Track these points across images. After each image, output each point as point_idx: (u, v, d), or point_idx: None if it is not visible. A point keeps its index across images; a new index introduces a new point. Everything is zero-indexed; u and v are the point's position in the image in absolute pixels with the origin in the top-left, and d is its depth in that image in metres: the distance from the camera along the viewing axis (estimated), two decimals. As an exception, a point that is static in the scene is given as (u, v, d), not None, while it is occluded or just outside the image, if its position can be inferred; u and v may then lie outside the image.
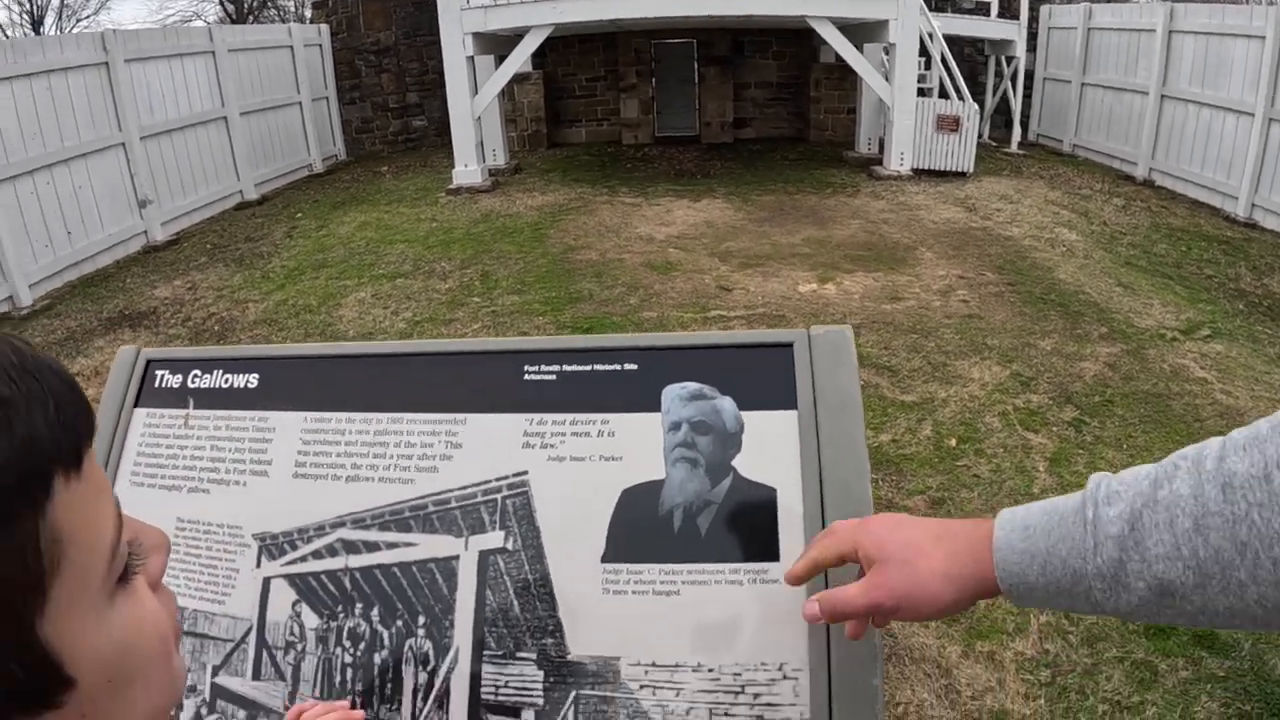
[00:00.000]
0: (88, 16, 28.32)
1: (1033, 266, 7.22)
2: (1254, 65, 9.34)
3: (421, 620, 1.10)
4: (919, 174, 10.93)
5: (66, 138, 8.45)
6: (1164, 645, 3.01)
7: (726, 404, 1.09)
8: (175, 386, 1.31)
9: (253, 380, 1.29)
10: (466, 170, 10.89)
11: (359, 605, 1.14)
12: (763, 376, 1.10)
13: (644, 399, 1.10)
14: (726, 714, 0.99)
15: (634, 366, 1.13)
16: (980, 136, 11.89)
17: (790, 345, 1.11)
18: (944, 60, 11.64)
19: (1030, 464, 4.18)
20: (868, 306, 6.31)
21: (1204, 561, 0.65)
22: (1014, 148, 13.24)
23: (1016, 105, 13.30)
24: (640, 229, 8.68)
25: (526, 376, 1.15)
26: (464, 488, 1.12)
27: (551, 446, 1.11)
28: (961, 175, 10.95)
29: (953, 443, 4.38)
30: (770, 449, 1.06)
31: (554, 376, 1.14)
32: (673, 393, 1.10)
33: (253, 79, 12.32)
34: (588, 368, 1.13)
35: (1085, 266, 7.30)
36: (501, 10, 10.64)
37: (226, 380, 1.30)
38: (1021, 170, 11.69)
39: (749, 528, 1.04)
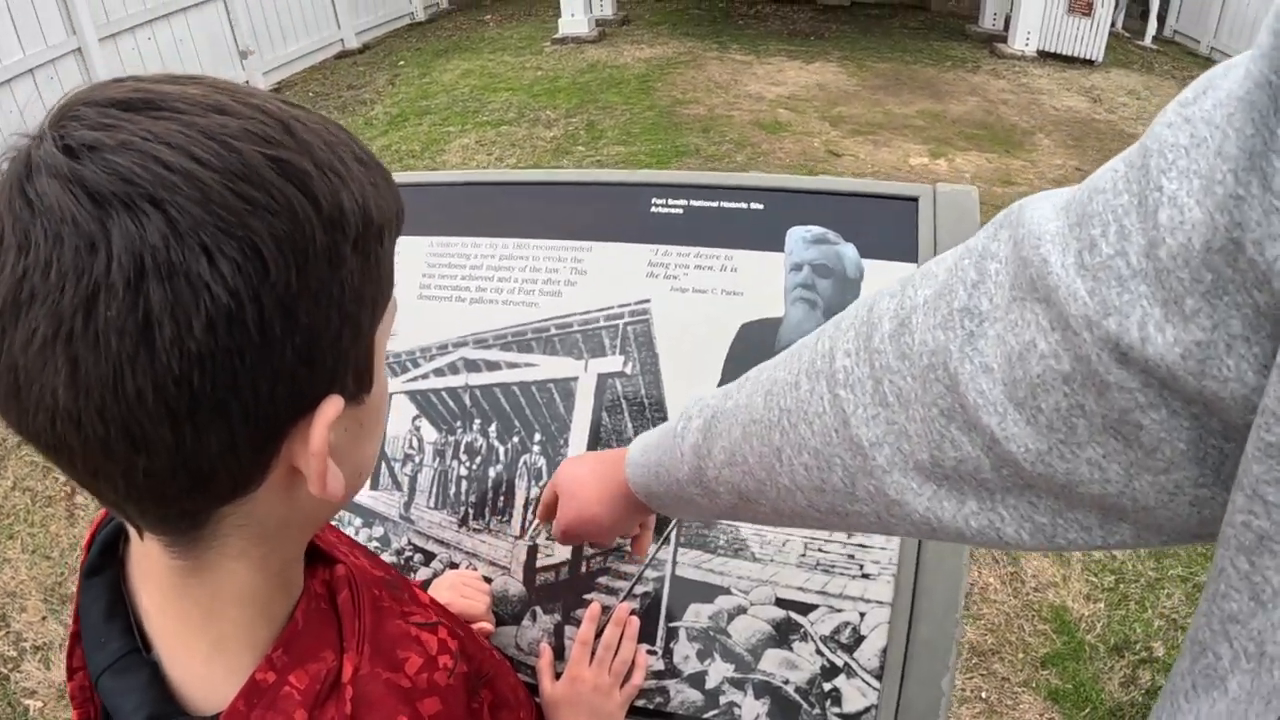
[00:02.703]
0: None
1: (1157, 159, 6.88)
2: None
3: (537, 437, 1.16)
4: (1044, 57, 10.36)
5: None
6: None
7: (849, 250, 1.10)
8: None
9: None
10: (573, 20, 10.67)
11: (477, 421, 1.20)
12: (886, 227, 1.10)
13: (768, 238, 1.12)
14: (820, 549, 1.04)
15: (760, 206, 1.14)
16: (1113, 25, 11.16)
17: (916, 200, 1.11)
18: (1086, -73, 10.87)
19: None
20: (979, 187, 6.06)
21: (754, 467, 0.66)
22: (1147, 41, 12.33)
23: (1155, -3, 12.38)
24: (750, 87, 8.43)
25: (653, 209, 1.17)
26: (587, 312, 1.16)
27: (675, 278, 1.13)
28: (1089, 63, 10.33)
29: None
30: (889, 296, 1.07)
31: (680, 210, 1.16)
32: (797, 234, 1.11)
33: (354, -75, 12.11)
34: (714, 204, 1.15)
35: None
36: None
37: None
38: (1153, 67, 10.95)
39: None
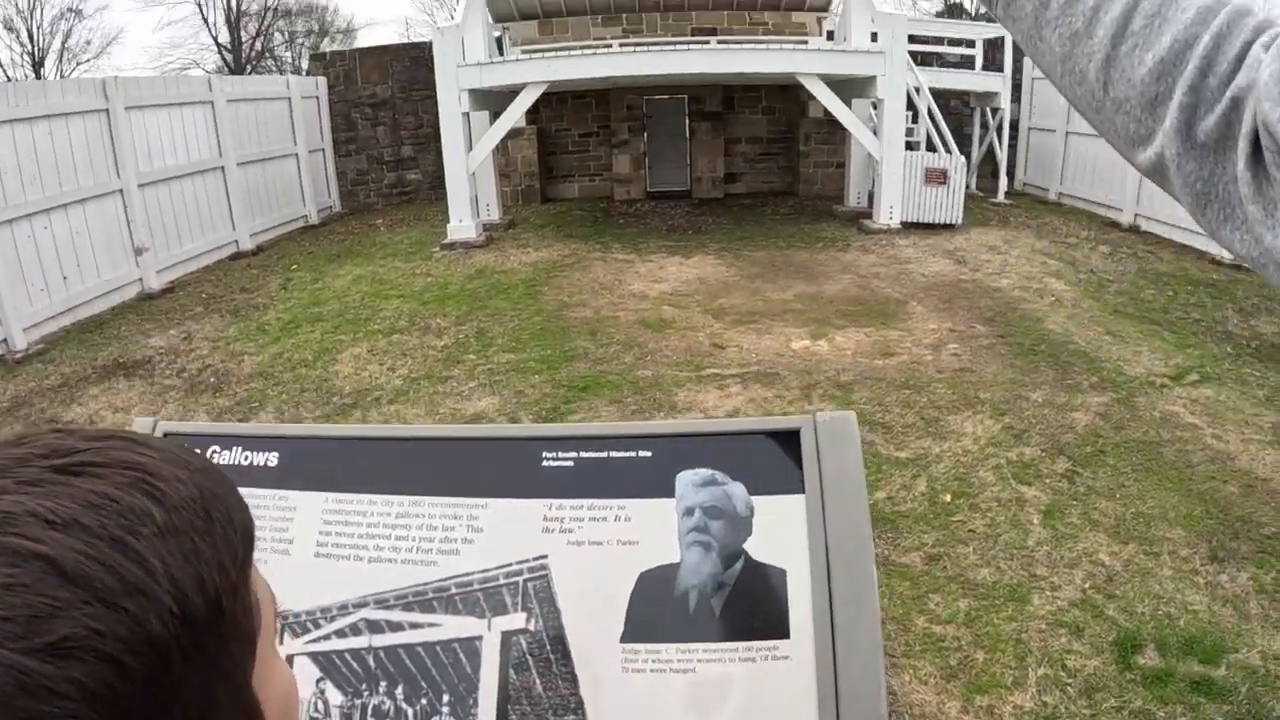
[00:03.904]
0: (88, 60, 28.85)
1: (1022, 318, 7.31)
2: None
3: (446, 698, 1.13)
4: (908, 227, 11.09)
5: (65, 183, 8.55)
6: (1162, 693, 3.04)
7: (737, 489, 1.14)
8: (194, 462, 1.35)
9: (272, 459, 1.32)
10: (461, 225, 10.99)
11: (383, 683, 1.17)
12: (771, 462, 1.15)
13: (658, 485, 1.16)
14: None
15: (648, 454, 1.18)
16: (968, 188, 12.10)
17: (797, 431, 1.17)
18: (931, 114, 11.86)
19: (1024, 517, 4.22)
20: (860, 362, 6.37)
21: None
22: (1001, 198, 13.44)
23: (1003, 156, 13.52)
24: (634, 285, 8.76)
25: (545, 463, 1.20)
26: (485, 570, 1.16)
27: (570, 531, 1.16)
28: (950, 227, 11.10)
29: (947, 498, 4.42)
30: (779, 532, 1.11)
31: (571, 463, 1.19)
32: (686, 479, 1.15)
33: (250, 130, 12.50)
34: (603, 455, 1.19)
35: (1074, 316, 7.39)
36: (497, 67, 10.83)
37: (246, 458, 1.33)
38: (1009, 220, 11.86)
39: (761, 607, 1.08)
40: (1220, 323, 7.38)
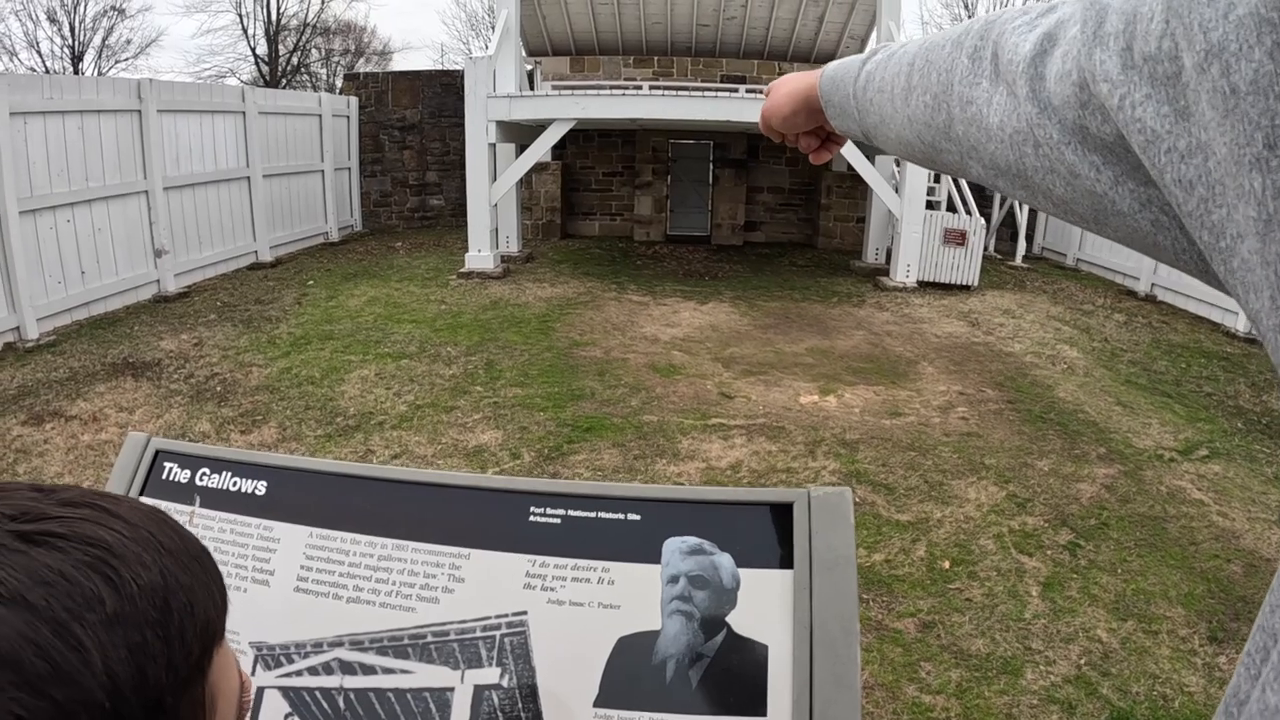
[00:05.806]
0: (127, 59, 29.34)
1: (1033, 384, 7.28)
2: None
3: (411, 749, 1.11)
4: (924, 286, 11.11)
5: (92, 179, 8.67)
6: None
7: (725, 560, 1.12)
8: (183, 482, 1.34)
9: (260, 487, 1.31)
10: (479, 255, 11.04)
11: (351, 727, 1.15)
12: (762, 534, 1.13)
13: (645, 549, 1.14)
14: None
15: (637, 517, 1.16)
16: (986, 250, 12.13)
17: (790, 505, 1.15)
18: (954, 176, 11.90)
19: (1023, 588, 4.16)
20: (867, 421, 6.33)
21: (895, 93, 0.87)
22: (1018, 261, 13.47)
23: (1022, 219, 13.58)
24: (646, 329, 8.77)
25: (532, 518, 1.18)
26: (463, 621, 1.14)
27: (552, 590, 1.14)
28: (966, 288, 11.11)
29: (946, 565, 4.37)
30: (764, 607, 1.09)
31: (559, 520, 1.17)
32: (673, 545, 1.13)
33: (279, 143, 12.66)
34: (592, 514, 1.17)
35: (1085, 385, 7.35)
36: (526, 101, 10.93)
37: (234, 483, 1.32)
38: (1025, 284, 11.85)
39: (739, 683, 1.06)
40: (1232, 397, 7.34)
